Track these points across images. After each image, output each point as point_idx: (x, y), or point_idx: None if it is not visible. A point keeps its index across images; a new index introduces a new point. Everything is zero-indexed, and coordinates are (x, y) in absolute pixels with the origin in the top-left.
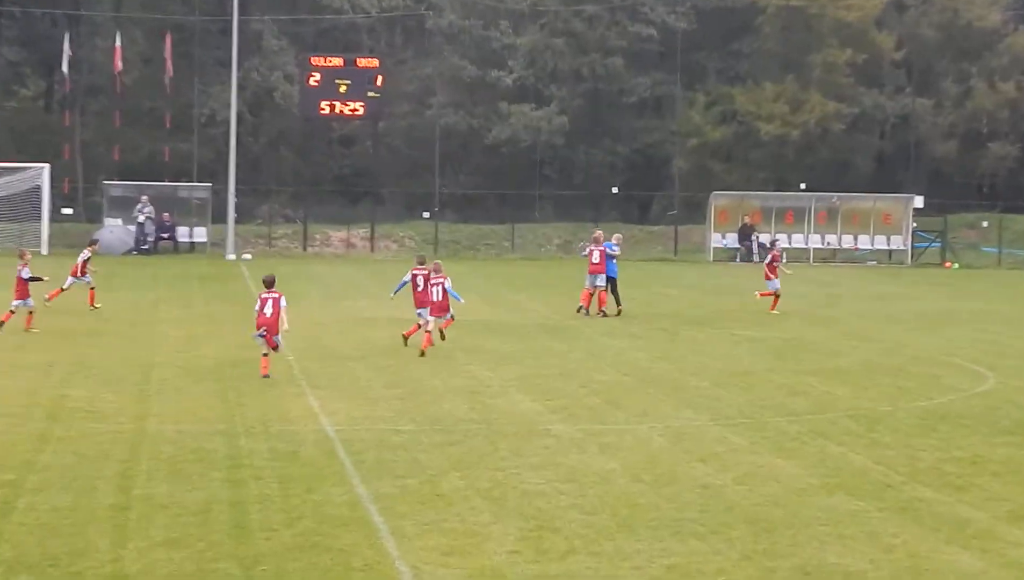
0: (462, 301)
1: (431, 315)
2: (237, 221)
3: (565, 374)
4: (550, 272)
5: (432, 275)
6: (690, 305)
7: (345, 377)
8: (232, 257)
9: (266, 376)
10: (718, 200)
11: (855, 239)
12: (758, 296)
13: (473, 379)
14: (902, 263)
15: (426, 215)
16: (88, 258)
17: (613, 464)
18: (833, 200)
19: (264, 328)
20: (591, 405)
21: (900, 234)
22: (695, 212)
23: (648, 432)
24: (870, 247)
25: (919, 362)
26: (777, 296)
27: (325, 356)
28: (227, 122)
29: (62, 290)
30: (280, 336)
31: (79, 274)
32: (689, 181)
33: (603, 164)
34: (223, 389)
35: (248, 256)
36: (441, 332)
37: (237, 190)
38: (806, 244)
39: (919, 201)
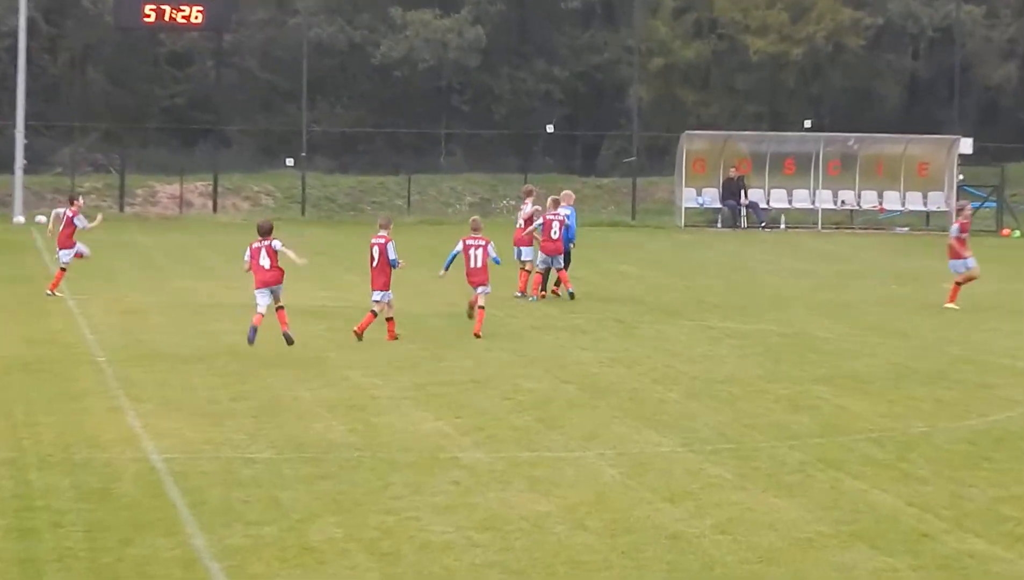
0: (500, 262)
1: (473, 286)
2: (27, 170)
3: (481, 382)
4: None
5: (471, 235)
6: (654, 287)
7: (177, 386)
8: (20, 220)
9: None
10: (692, 143)
11: (879, 197)
12: (950, 290)
13: (354, 389)
14: (944, 229)
15: (290, 162)
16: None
17: (547, 506)
18: (849, 143)
19: (268, 287)
20: (517, 425)
21: (941, 190)
22: (660, 160)
23: (596, 461)
24: (900, 208)
25: (966, 366)
26: (959, 282)
27: (149, 357)
28: (14, 34)
29: (63, 271)
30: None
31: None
32: (653, 117)
33: (534, 93)
34: (7, 402)
35: (42, 218)
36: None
37: (27, 127)
38: (813, 204)
39: (967, 145)
